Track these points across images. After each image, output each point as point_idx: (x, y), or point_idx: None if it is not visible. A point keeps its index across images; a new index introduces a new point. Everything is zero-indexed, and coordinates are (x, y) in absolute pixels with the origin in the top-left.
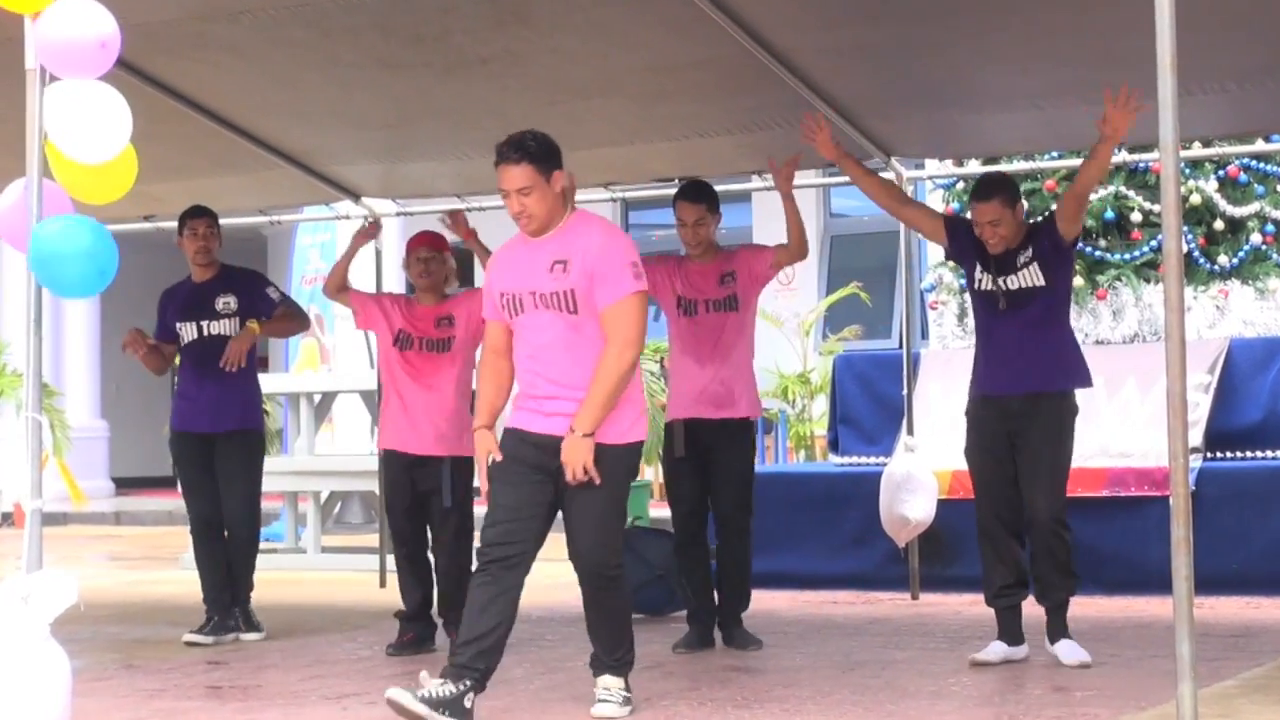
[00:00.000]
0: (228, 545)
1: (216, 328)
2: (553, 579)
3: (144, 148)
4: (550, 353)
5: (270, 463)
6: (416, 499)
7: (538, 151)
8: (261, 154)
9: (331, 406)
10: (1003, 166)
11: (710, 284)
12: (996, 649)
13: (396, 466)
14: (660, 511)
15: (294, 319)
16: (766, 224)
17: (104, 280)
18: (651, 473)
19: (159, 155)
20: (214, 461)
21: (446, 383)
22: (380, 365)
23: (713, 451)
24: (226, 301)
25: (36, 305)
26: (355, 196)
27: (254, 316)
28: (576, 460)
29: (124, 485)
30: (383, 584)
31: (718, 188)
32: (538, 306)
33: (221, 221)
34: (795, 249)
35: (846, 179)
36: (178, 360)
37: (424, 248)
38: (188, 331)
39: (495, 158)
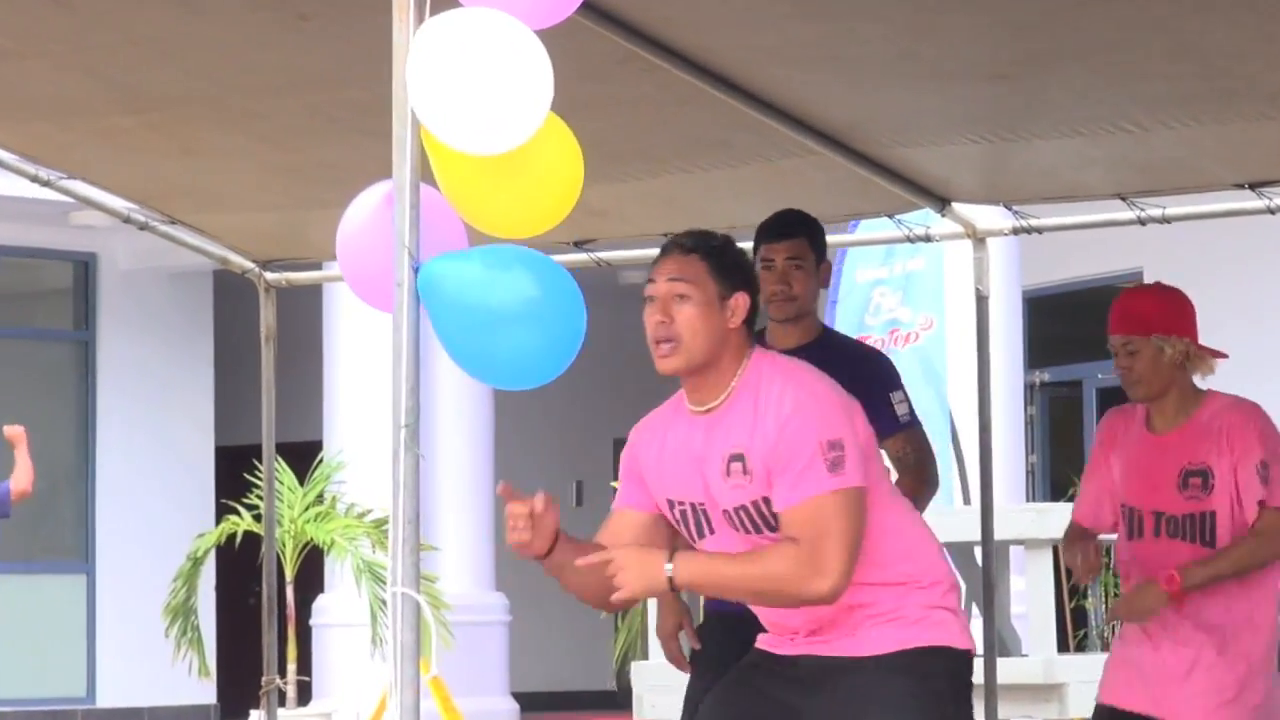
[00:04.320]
0: None
1: None
2: None
3: (574, 125)
4: None
5: None
6: None
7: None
8: (778, 130)
9: None
10: None
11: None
12: None
13: None
14: None
15: (921, 479)
16: None
17: (567, 355)
18: None
19: (597, 136)
20: None
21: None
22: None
23: None
24: None
25: (411, 401)
26: (941, 203)
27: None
28: None
29: (536, 706)
30: None
31: None
32: None
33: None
34: None
35: None
36: None
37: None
38: None
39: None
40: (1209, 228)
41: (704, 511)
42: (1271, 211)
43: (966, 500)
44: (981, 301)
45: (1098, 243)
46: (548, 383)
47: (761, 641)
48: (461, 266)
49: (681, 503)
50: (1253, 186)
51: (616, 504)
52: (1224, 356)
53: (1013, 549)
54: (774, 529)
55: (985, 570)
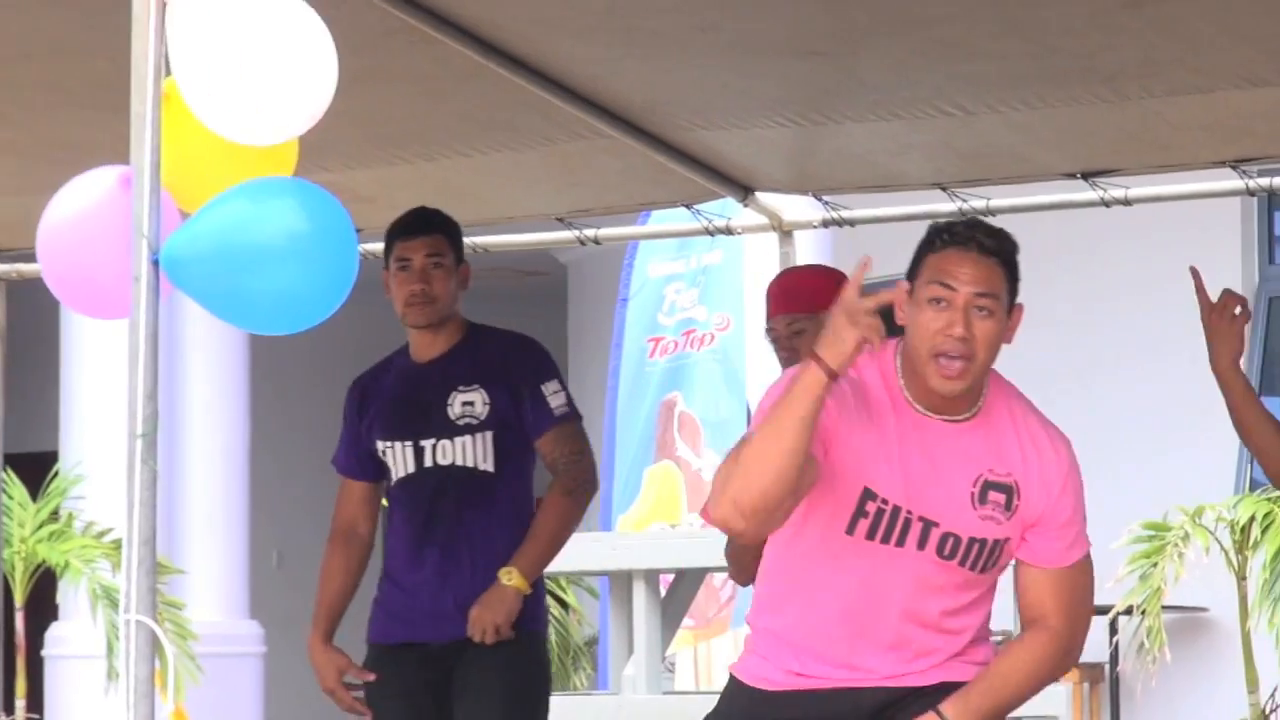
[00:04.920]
0: None
1: (451, 452)
2: None
3: (338, 104)
4: None
5: (571, 711)
6: None
7: None
8: (565, 111)
9: (696, 596)
10: None
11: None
12: None
13: None
14: None
15: (566, 487)
16: None
17: (337, 296)
18: None
19: (363, 115)
20: (447, 697)
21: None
22: None
23: None
24: (469, 402)
25: (149, 409)
26: (744, 192)
27: (516, 431)
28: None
29: None
30: None
31: None
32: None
33: (493, 239)
34: None
35: None
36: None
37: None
38: (399, 458)
39: None
40: (1038, 221)
41: (908, 521)
42: (1106, 204)
43: None
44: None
45: (917, 237)
46: (314, 326)
47: (780, 680)
48: (218, 212)
49: (885, 501)
50: (1086, 176)
51: None
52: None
53: None
54: (982, 571)
55: None
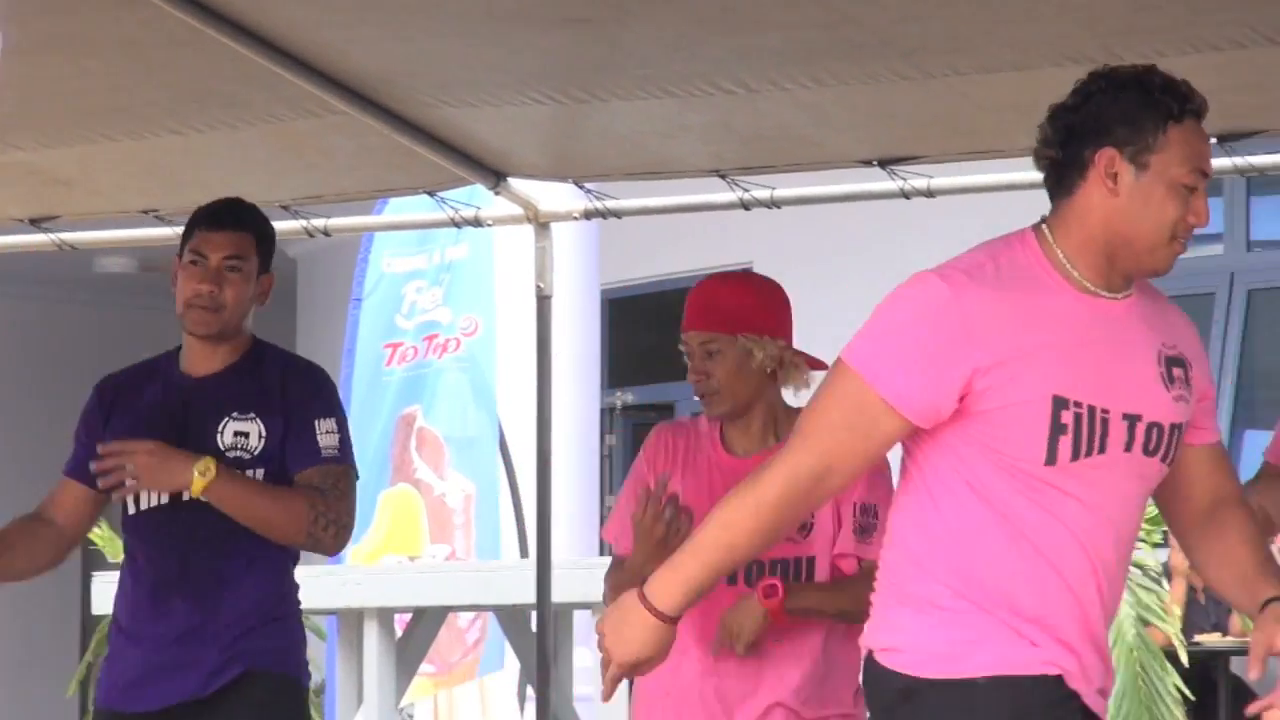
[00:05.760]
0: None
1: None
2: None
3: (29, 73)
4: None
5: None
6: None
7: None
8: (291, 83)
9: (437, 638)
10: None
11: None
12: None
13: None
14: None
15: (315, 507)
16: None
17: None
18: None
19: (59, 85)
20: None
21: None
22: None
23: None
24: (243, 433)
25: None
26: (495, 178)
27: (279, 468)
28: None
29: None
30: None
31: None
32: None
33: None
34: None
35: None
36: (111, 543)
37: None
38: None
39: None
40: (829, 214)
41: (1105, 420)
42: (906, 195)
43: (524, 553)
44: (543, 302)
45: (696, 231)
46: None
47: (1066, 673)
48: None
49: (1079, 404)
50: (884, 164)
51: (893, 397)
52: (822, 366)
53: (577, 614)
54: (1166, 459)
55: (541, 640)
